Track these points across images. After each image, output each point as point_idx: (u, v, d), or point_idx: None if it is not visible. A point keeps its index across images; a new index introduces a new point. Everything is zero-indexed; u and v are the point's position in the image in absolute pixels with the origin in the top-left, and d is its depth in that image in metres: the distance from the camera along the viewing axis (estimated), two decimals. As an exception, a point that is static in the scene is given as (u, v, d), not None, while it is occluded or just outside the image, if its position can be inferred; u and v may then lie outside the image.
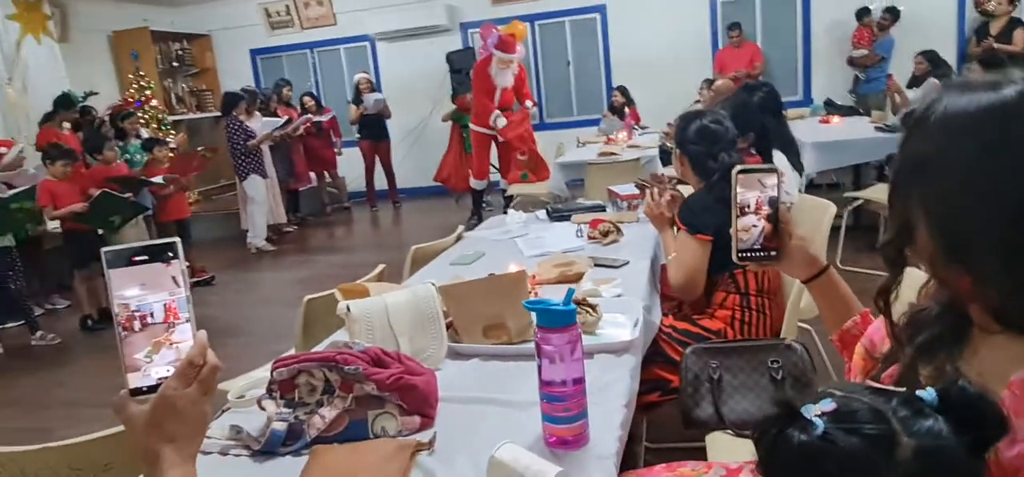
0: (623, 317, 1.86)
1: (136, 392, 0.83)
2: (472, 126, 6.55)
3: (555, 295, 1.93)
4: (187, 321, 0.86)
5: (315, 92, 8.99)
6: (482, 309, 1.73)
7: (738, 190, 1.29)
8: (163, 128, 8.04)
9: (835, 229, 4.56)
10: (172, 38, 9.26)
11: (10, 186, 4.60)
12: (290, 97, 8.25)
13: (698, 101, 7.01)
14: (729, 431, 1.76)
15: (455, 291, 1.76)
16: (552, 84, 9.04)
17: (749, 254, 1.31)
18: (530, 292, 2.08)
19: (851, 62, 7.65)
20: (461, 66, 8.09)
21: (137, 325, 0.84)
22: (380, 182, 8.61)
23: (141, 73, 8.23)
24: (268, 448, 1.32)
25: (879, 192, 4.48)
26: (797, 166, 3.19)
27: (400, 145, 8.85)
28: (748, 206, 1.29)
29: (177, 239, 0.87)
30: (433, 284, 1.74)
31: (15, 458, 1.40)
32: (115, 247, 0.86)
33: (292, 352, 2.22)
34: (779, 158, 3.00)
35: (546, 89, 9.06)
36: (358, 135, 8.36)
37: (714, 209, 2.07)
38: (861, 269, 3.86)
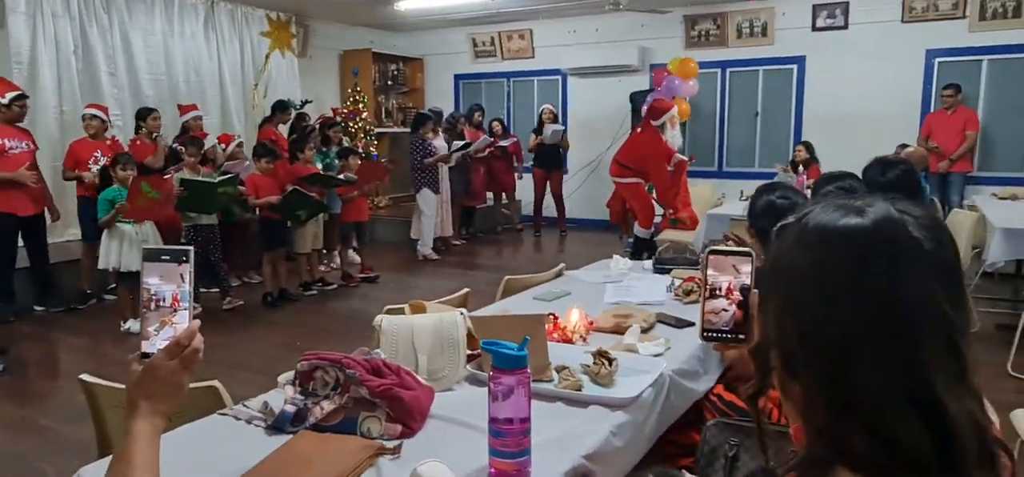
0: (648, 376, 1.88)
1: (145, 356, 1.07)
2: (634, 180, 6.38)
3: (605, 342, 2.03)
4: (186, 310, 1.08)
5: (506, 118, 9.57)
6: (504, 343, 1.86)
7: (709, 271, 1.32)
8: (368, 138, 9.05)
9: (1010, 328, 4.01)
10: (391, 59, 10.36)
11: (226, 173, 5.52)
12: (481, 121, 8.85)
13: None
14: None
15: (483, 323, 1.91)
16: (736, 133, 8.77)
17: (716, 335, 1.33)
18: (575, 333, 2.18)
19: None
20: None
21: (153, 306, 1.08)
22: (551, 210, 8.95)
23: (358, 88, 9.38)
24: (277, 424, 1.58)
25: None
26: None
27: (576, 176, 9.10)
28: (719, 289, 1.31)
29: (191, 248, 1.10)
30: (462, 313, 1.91)
31: (116, 393, 1.80)
32: (152, 247, 1.13)
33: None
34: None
35: (729, 137, 8.81)
36: (532, 162, 8.79)
37: None
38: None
